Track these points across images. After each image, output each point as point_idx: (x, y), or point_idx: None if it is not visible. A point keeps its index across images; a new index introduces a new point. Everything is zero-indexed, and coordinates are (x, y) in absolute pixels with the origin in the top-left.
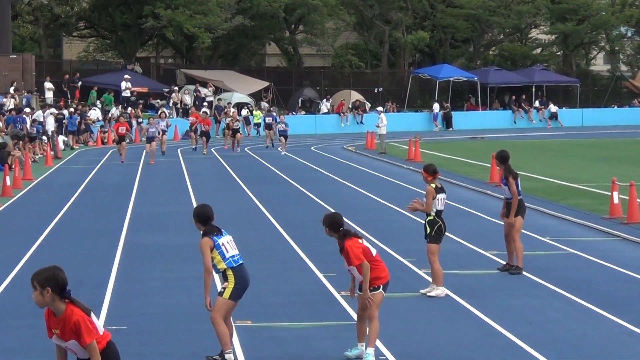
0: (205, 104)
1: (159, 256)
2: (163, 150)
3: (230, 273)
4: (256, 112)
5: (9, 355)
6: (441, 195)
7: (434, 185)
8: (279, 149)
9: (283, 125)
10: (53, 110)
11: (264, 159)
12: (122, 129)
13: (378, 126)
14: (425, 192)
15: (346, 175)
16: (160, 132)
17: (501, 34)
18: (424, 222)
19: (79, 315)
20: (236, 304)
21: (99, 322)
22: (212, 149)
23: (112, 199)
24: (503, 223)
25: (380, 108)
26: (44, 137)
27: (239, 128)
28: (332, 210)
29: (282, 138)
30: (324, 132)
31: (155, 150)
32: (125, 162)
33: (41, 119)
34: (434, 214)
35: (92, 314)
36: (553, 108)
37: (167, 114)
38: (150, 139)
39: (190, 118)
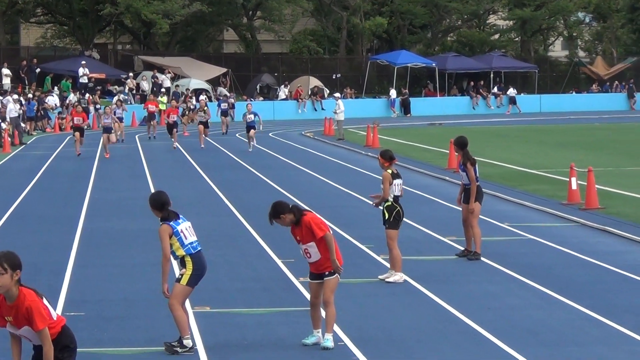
0: (162, 90)
1: (117, 242)
2: (122, 139)
3: (188, 259)
4: (162, 98)
5: None
6: (397, 181)
7: (390, 171)
8: (249, 143)
9: (252, 115)
10: (15, 96)
11: (222, 145)
12: (79, 120)
13: (335, 112)
14: (381, 179)
15: (304, 161)
16: (117, 121)
17: (459, 20)
18: (382, 208)
19: (31, 300)
20: (192, 289)
21: (51, 307)
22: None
23: (70, 185)
24: (461, 209)
25: (337, 94)
26: (2, 124)
27: (207, 120)
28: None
29: (251, 131)
30: (282, 118)
31: (115, 140)
32: (83, 148)
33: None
34: (391, 200)
35: (45, 299)
36: (512, 92)
37: (123, 102)
38: (106, 130)
39: (149, 106)
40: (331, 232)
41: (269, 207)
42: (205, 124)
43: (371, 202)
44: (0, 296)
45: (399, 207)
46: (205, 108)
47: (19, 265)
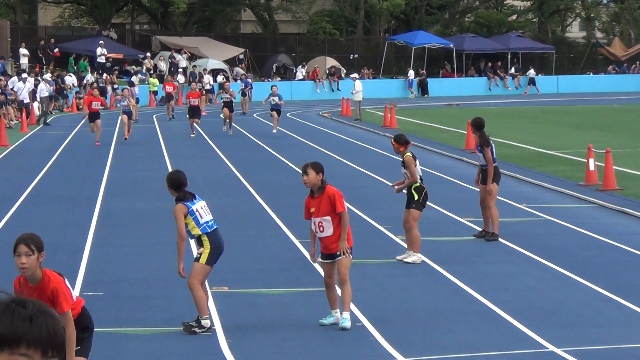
0: (180, 70)
1: (135, 222)
2: (136, 119)
3: (205, 238)
4: (152, 80)
5: None
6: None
7: (410, 154)
8: (272, 125)
9: (276, 98)
10: (47, 76)
11: (240, 125)
12: (96, 104)
13: (352, 93)
14: (403, 162)
15: (322, 141)
16: (133, 104)
17: (477, 1)
18: (408, 190)
19: (56, 282)
20: (211, 268)
21: (70, 288)
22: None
23: (87, 165)
24: (478, 190)
25: (354, 75)
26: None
27: (231, 101)
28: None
29: (274, 113)
30: (299, 98)
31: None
32: (101, 130)
33: (17, 86)
34: (419, 181)
35: (66, 281)
36: (532, 73)
37: (132, 91)
38: (125, 112)
39: (167, 87)
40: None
41: (314, 162)
42: (230, 106)
43: (393, 186)
44: (22, 278)
45: (426, 188)
46: (230, 90)
47: (43, 246)
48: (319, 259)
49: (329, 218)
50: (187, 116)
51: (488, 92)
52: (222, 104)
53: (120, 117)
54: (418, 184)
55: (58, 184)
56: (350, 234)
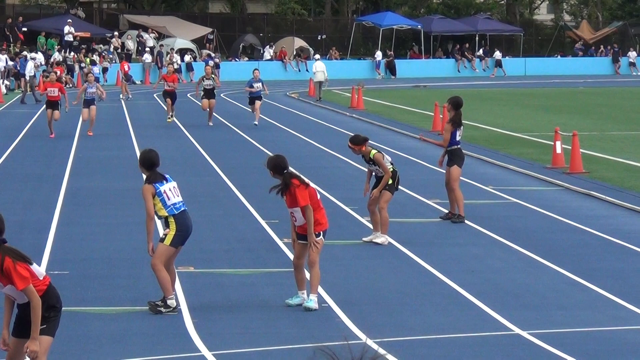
0: (147, 49)
1: (101, 201)
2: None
3: (171, 220)
4: (86, 59)
5: None
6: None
7: (375, 150)
8: (255, 116)
9: (259, 84)
10: (32, 55)
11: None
12: (53, 92)
13: (313, 72)
14: (372, 160)
15: (288, 122)
16: (102, 92)
17: None
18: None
19: (8, 262)
20: (178, 250)
21: (38, 268)
22: (154, 95)
23: (54, 143)
24: (444, 171)
25: (317, 55)
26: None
27: (213, 88)
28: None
29: (256, 102)
30: (267, 78)
31: (87, 117)
32: (68, 108)
33: None
34: (392, 168)
35: (26, 260)
36: (498, 55)
37: (96, 77)
38: (89, 102)
39: (124, 66)
40: (311, 207)
41: (269, 158)
42: (212, 94)
43: (372, 194)
44: None
45: (398, 172)
46: (213, 76)
47: (2, 228)
48: (297, 240)
49: (298, 209)
50: (164, 98)
51: (456, 73)
52: (202, 93)
53: (81, 111)
54: (392, 170)
55: (25, 162)
56: (324, 217)
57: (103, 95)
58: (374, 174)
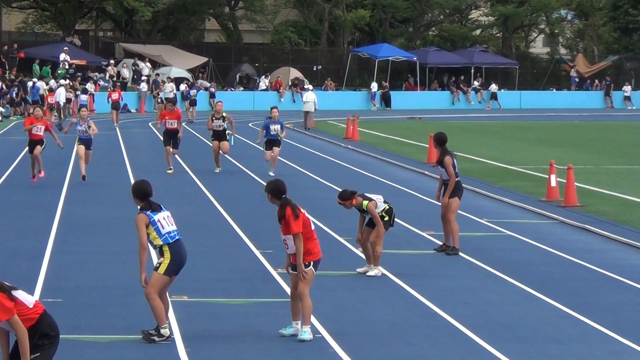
0: (143, 78)
1: (96, 229)
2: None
3: (166, 249)
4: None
5: None
6: (376, 200)
7: (366, 201)
8: (271, 164)
9: (277, 126)
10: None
11: (201, 134)
12: (38, 130)
13: (304, 102)
14: (365, 211)
15: (283, 152)
16: (94, 129)
17: (441, 15)
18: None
19: None
20: (172, 279)
21: (28, 296)
22: (150, 124)
23: (49, 171)
24: (440, 204)
25: (309, 86)
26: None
27: (225, 130)
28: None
29: (274, 148)
30: (262, 108)
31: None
32: (63, 134)
33: None
34: (386, 207)
35: (12, 291)
36: (493, 88)
37: (86, 109)
38: (84, 141)
39: (112, 95)
40: (301, 236)
41: (269, 182)
42: (223, 137)
43: (374, 247)
44: None
45: (393, 208)
46: (225, 114)
47: None
48: (290, 271)
49: (290, 237)
50: (164, 144)
51: (451, 105)
52: (212, 134)
53: (75, 148)
54: (387, 207)
55: (18, 190)
56: (317, 247)
57: (93, 133)
58: (367, 218)
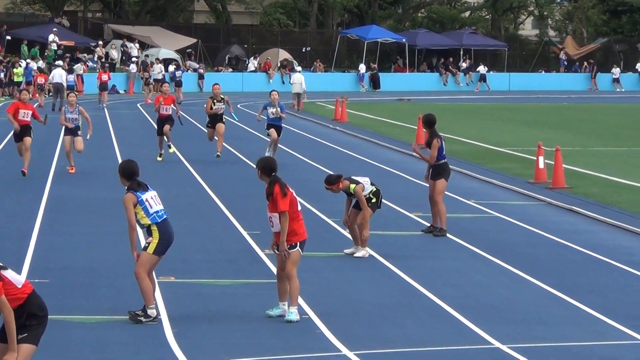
0: (133, 59)
1: (84, 210)
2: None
3: (154, 228)
4: (17, 70)
5: None
6: (363, 182)
7: (353, 185)
8: (267, 148)
9: (278, 109)
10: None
11: (190, 115)
12: (26, 114)
13: (292, 84)
14: (352, 194)
15: None
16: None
17: None
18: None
19: None
20: (160, 259)
21: (17, 276)
22: (138, 105)
23: (37, 152)
24: (427, 185)
25: (298, 67)
26: None
27: (222, 113)
28: (253, 170)
29: (272, 131)
30: (251, 90)
31: (82, 149)
32: (48, 111)
33: None
34: (373, 189)
35: (8, 270)
36: (482, 70)
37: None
38: (71, 130)
39: (102, 76)
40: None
41: (260, 158)
42: (221, 120)
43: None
44: None
45: (380, 190)
46: (223, 96)
47: None
48: (276, 251)
49: (276, 215)
50: (157, 133)
51: (440, 87)
52: (208, 121)
53: (61, 138)
54: (374, 189)
55: (6, 171)
56: (302, 227)
57: (89, 129)
58: (354, 200)
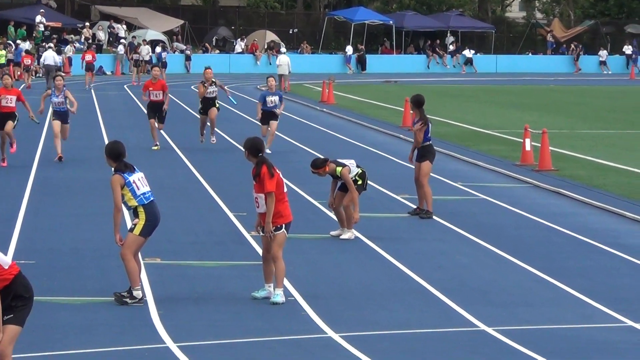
0: (122, 41)
1: (70, 191)
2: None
3: (141, 210)
4: (0, 52)
5: None
6: (347, 163)
7: (339, 168)
8: (268, 139)
9: (275, 97)
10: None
11: (178, 97)
12: (9, 101)
13: (278, 65)
14: (339, 178)
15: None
16: (72, 99)
17: None
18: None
19: None
20: (146, 240)
21: (4, 257)
22: (125, 86)
23: (23, 133)
24: (413, 167)
25: (283, 49)
26: None
27: (215, 97)
28: (240, 152)
29: (271, 122)
30: (238, 71)
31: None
32: (32, 88)
33: None
34: (359, 170)
35: None
36: (468, 53)
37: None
38: (60, 115)
39: (86, 56)
40: (274, 195)
41: (247, 139)
42: (214, 104)
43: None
44: None
45: (366, 172)
46: (215, 79)
47: None
48: (261, 233)
49: (262, 195)
50: (148, 117)
51: (427, 69)
52: (200, 105)
53: (49, 121)
54: (360, 171)
55: None
56: (288, 209)
57: (73, 108)
58: (339, 182)
